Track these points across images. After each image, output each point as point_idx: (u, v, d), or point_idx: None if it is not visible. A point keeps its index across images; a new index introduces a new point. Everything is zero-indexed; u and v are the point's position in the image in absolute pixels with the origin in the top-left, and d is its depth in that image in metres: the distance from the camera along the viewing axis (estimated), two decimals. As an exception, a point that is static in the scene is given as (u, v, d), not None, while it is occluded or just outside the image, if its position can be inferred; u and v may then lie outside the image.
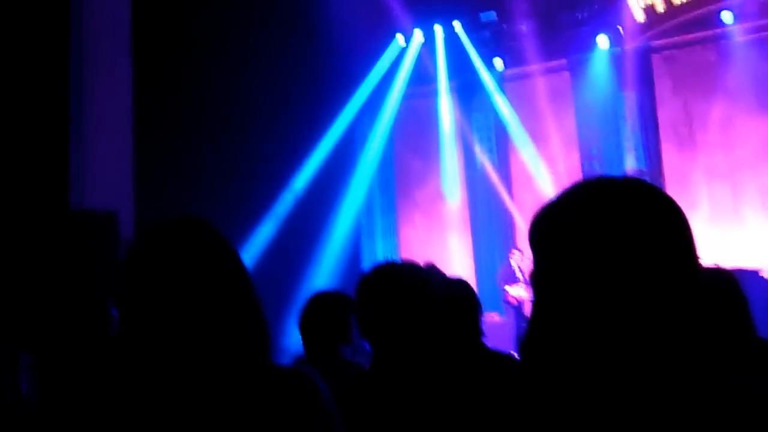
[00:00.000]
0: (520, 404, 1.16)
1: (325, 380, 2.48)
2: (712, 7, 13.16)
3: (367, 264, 15.01)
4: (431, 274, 5.74)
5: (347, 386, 2.29)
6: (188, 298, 1.44)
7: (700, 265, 1.12)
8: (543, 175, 14.50)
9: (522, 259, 12.63)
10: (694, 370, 1.06)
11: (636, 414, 1.04)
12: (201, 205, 11.38)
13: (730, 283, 2.66)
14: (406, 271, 2.37)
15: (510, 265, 12.63)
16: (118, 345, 1.46)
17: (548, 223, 1.17)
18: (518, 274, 12.52)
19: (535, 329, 1.16)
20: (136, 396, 1.42)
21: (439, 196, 15.22)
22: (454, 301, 3.21)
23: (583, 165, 14.29)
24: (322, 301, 3.56)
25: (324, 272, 13.53)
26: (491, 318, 12.53)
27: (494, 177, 14.88)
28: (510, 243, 14.40)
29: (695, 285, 1.09)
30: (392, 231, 15.55)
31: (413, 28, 15.03)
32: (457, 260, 14.47)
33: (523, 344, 1.19)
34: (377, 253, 15.49)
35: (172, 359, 1.42)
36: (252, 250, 12.70)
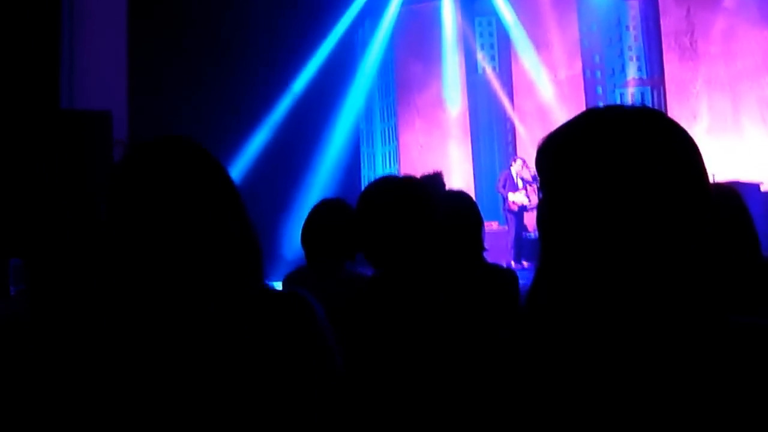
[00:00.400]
0: (522, 326, 1.15)
1: (327, 291, 2.39)
2: None
3: (366, 170, 14.92)
4: (435, 184, 5.60)
5: (348, 298, 2.27)
6: (177, 218, 1.40)
7: (710, 195, 1.09)
8: (545, 82, 14.27)
9: (522, 168, 12.50)
10: (700, 300, 1.04)
11: (640, 346, 1.03)
12: (197, 107, 11.20)
13: (733, 198, 2.57)
14: (407, 186, 2.29)
15: (510, 173, 12.50)
16: (108, 258, 1.41)
17: (556, 150, 1.13)
18: (518, 183, 12.40)
19: (545, 254, 1.13)
20: (125, 312, 1.40)
21: (439, 102, 15.00)
22: (456, 215, 3.06)
23: (585, 73, 14.08)
24: (325, 209, 3.38)
25: (323, 178, 13.43)
26: (490, 226, 12.53)
27: (495, 83, 14.66)
28: (510, 150, 14.29)
29: (705, 214, 1.06)
30: (392, 136, 15.38)
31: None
32: (456, 167, 14.33)
33: (536, 272, 1.16)
34: (377, 158, 15.37)
35: (161, 279, 1.39)
36: (249, 155, 12.56)
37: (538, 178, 1.16)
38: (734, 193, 2.59)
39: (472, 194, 12.58)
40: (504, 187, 12.47)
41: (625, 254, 1.03)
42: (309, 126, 13.45)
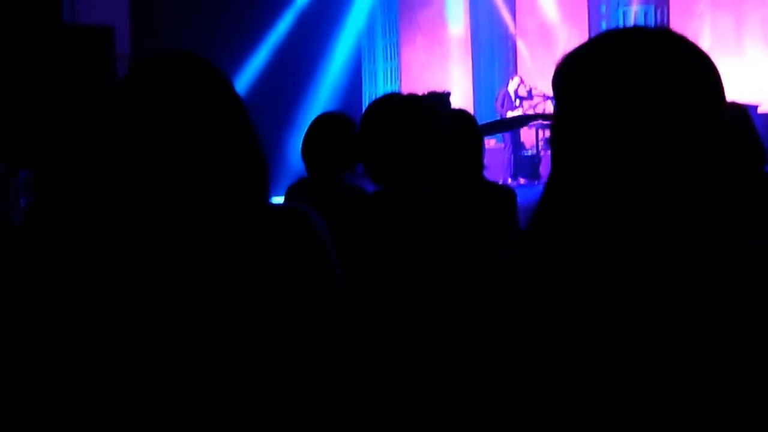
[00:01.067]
0: (526, 243, 1.15)
1: (326, 202, 2.41)
2: None
3: (367, 86, 14.81)
4: (441, 103, 5.61)
5: (347, 212, 2.29)
6: (183, 134, 1.39)
7: (726, 120, 1.08)
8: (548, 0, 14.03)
9: (520, 85, 12.42)
10: (712, 222, 1.04)
11: (651, 266, 1.03)
12: (199, 21, 11.05)
13: (740, 114, 2.58)
14: (411, 103, 2.29)
15: (507, 92, 12.42)
16: (113, 173, 1.42)
17: (575, 67, 1.10)
18: (515, 101, 12.34)
19: (556, 172, 1.12)
20: (131, 224, 1.40)
21: (441, 19, 14.81)
22: (456, 134, 3.08)
23: (588, -9, 13.83)
24: (325, 122, 3.39)
25: (325, 94, 13.35)
26: (488, 144, 12.53)
27: (498, 0, 14.41)
28: (511, 69, 14.15)
29: (722, 138, 1.05)
30: (393, 53, 15.23)
31: None
32: (457, 84, 14.22)
33: (542, 196, 1.15)
34: (378, 75, 15.25)
35: (165, 194, 1.39)
36: (252, 70, 12.46)
37: (554, 98, 1.14)
38: (742, 111, 2.60)
39: (472, 112, 12.43)
40: (502, 105, 12.41)
41: (639, 174, 1.03)
42: (311, 42, 13.30)
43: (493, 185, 3.29)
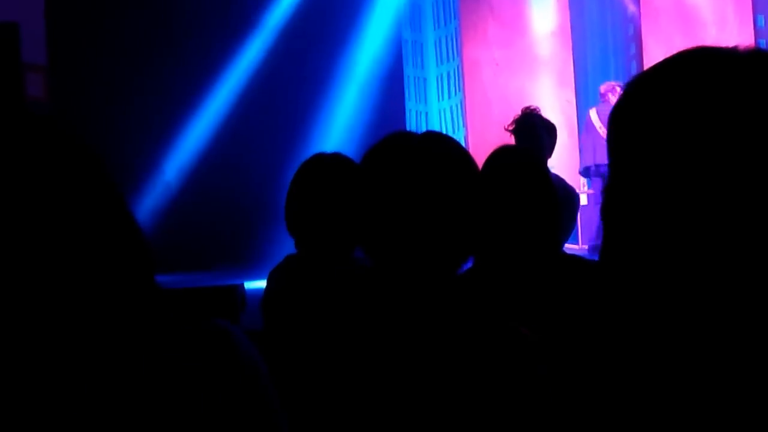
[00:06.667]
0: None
1: (326, 290, 2.34)
2: None
3: (413, 102, 14.92)
4: (529, 131, 5.57)
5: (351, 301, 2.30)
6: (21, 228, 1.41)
7: None
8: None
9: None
10: None
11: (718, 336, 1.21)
12: (151, 21, 11.28)
13: None
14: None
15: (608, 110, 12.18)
16: None
17: (649, 101, 1.26)
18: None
19: (607, 258, 1.32)
20: None
21: (524, -3, 14.89)
22: (518, 193, 3.17)
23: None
24: (317, 170, 3.44)
25: (346, 117, 13.44)
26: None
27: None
28: (633, 69, 14.10)
29: None
30: (452, 51, 15.42)
31: None
32: (548, 96, 14.19)
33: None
34: (429, 84, 15.36)
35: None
36: (227, 92, 12.65)
37: (608, 146, 1.31)
38: None
39: (575, 140, 12.51)
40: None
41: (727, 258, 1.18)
42: (324, 43, 13.45)
43: (575, 260, 3.36)
